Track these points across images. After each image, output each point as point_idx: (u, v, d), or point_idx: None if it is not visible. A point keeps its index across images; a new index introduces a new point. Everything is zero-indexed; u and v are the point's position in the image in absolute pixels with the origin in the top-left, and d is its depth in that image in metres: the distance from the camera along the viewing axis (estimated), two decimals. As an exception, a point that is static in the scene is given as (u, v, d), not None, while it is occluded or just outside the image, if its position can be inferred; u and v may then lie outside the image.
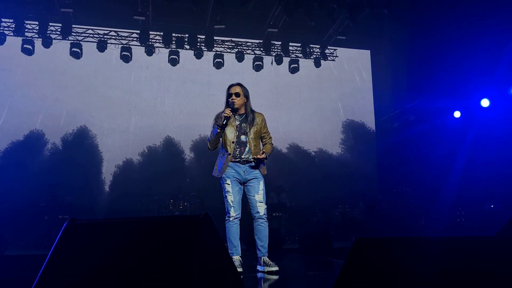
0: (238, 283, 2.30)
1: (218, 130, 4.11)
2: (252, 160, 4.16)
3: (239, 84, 4.28)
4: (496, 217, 8.55)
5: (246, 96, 4.25)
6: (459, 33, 9.87)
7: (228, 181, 4.10)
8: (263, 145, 4.32)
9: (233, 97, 4.18)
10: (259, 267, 4.12)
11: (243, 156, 4.14)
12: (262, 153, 4.09)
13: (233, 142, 4.13)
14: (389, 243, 1.96)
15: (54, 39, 11.51)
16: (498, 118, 9.43)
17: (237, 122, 4.21)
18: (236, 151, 4.13)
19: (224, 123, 4.10)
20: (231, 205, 4.08)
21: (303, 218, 11.71)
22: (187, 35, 12.01)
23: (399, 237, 2.00)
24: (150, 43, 11.98)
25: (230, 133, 4.16)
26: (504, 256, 1.94)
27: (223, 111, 4.21)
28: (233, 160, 4.13)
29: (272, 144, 4.37)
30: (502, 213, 8.47)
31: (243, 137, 4.17)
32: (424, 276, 1.82)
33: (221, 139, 4.24)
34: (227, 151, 4.14)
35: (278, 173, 11.65)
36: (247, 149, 4.16)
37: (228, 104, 4.20)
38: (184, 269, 1.86)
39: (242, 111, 4.24)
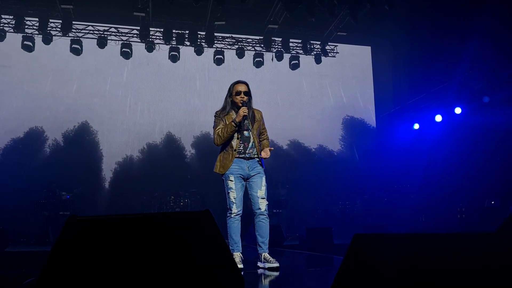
0: (238, 279, 2.31)
1: (234, 127, 4.09)
2: (255, 156, 4.19)
3: (247, 83, 4.26)
4: (497, 213, 8.55)
5: (251, 94, 4.25)
6: (460, 28, 9.84)
7: (232, 178, 4.11)
8: (260, 141, 4.34)
9: (243, 95, 4.17)
10: (259, 264, 4.13)
11: (247, 152, 4.16)
12: (269, 150, 4.20)
13: (238, 138, 4.15)
14: (389, 240, 1.96)
15: (54, 35, 11.51)
16: (499, 115, 9.42)
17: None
18: (240, 147, 4.15)
19: (242, 120, 4.11)
20: (233, 201, 4.09)
21: (304, 215, 11.73)
22: (187, 32, 11.99)
23: (399, 233, 2.00)
24: (151, 39, 11.96)
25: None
26: (504, 253, 1.94)
27: (222, 109, 4.25)
28: (238, 156, 4.14)
29: (269, 141, 4.46)
30: (503, 210, 8.48)
31: (246, 133, 4.20)
32: (424, 272, 1.83)
33: None
34: (232, 147, 4.14)
35: (278, 170, 11.66)
36: (250, 144, 4.19)
37: (231, 100, 4.23)
38: (185, 265, 1.86)
39: None
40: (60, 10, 10.83)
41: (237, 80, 4.30)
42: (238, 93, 4.18)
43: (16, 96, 12.06)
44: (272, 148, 4.30)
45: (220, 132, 4.13)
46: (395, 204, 11.09)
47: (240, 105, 4.12)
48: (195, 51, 12.21)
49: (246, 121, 4.22)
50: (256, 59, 12.58)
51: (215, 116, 4.28)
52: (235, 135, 4.17)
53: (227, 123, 4.13)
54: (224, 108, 4.26)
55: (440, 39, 10.60)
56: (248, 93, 4.19)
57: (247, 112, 4.08)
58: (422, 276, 1.82)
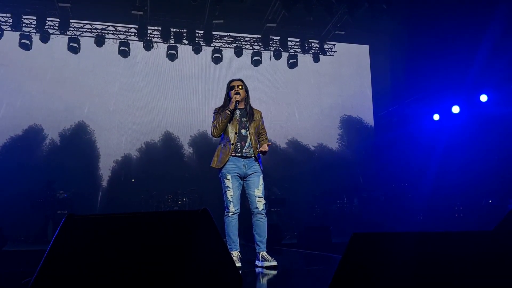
0: (237, 278, 2.31)
1: (228, 114, 4.13)
2: (252, 156, 4.19)
3: (241, 79, 4.38)
4: (494, 212, 8.57)
5: (247, 90, 4.35)
6: (458, 27, 9.85)
7: (228, 176, 4.12)
8: (259, 142, 4.35)
9: (237, 88, 4.25)
10: (258, 262, 4.13)
11: (244, 151, 4.17)
12: (267, 145, 4.14)
13: (235, 133, 4.17)
14: (387, 239, 1.96)
15: (52, 34, 11.48)
16: (497, 113, 9.44)
17: (237, 117, 4.25)
18: (237, 145, 4.16)
19: (235, 106, 4.17)
20: (231, 200, 4.09)
21: (302, 213, 11.73)
22: (185, 30, 11.97)
23: (397, 232, 2.00)
24: (148, 38, 11.95)
25: (232, 126, 4.20)
26: (502, 251, 1.95)
27: (222, 106, 4.29)
28: (234, 154, 4.15)
29: (269, 141, 4.38)
30: (500, 208, 8.50)
31: (243, 131, 4.22)
32: (422, 271, 1.83)
33: (223, 133, 4.25)
34: (229, 141, 4.16)
35: (276, 168, 11.66)
36: (247, 143, 4.20)
37: (230, 97, 4.25)
38: (183, 264, 1.86)
39: (242, 105, 4.31)
40: (57, 8, 10.80)
41: (230, 78, 4.44)
42: (232, 87, 4.28)
43: (14, 94, 12.03)
44: (270, 143, 4.28)
45: (215, 122, 4.21)
46: (393, 203, 11.10)
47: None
48: (193, 50, 12.20)
49: (244, 119, 4.25)
50: (254, 58, 12.57)
51: (214, 112, 4.33)
52: (232, 129, 4.17)
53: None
54: (223, 105, 4.31)
55: (438, 38, 10.61)
56: (242, 87, 4.30)
57: (239, 98, 4.16)
58: (421, 274, 1.82)
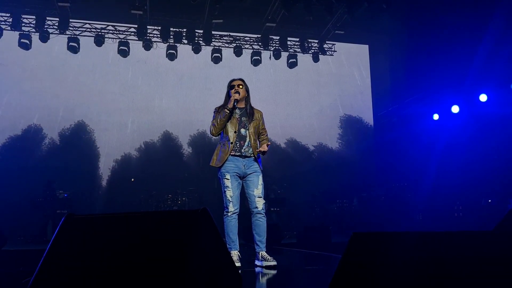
0: (236, 278, 2.30)
1: (227, 112, 4.13)
2: (251, 155, 4.19)
3: (242, 79, 4.39)
4: (494, 212, 8.57)
5: (248, 90, 4.36)
6: (458, 26, 9.85)
7: (228, 176, 4.12)
8: (260, 142, 4.35)
9: (237, 88, 4.26)
10: (257, 262, 4.13)
11: (243, 150, 4.17)
12: (266, 145, 4.13)
13: (235, 132, 4.17)
14: (387, 238, 1.96)
15: (51, 33, 11.47)
16: (496, 113, 9.44)
17: (237, 116, 4.25)
18: (236, 144, 4.16)
19: (233, 105, 4.18)
20: (230, 200, 4.09)
21: (302, 213, 11.73)
22: (185, 30, 11.96)
23: (397, 232, 2.00)
24: (148, 37, 11.94)
25: (231, 125, 4.20)
26: (502, 251, 1.94)
27: (222, 105, 4.29)
28: (233, 153, 4.14)
29: (269, 141, 4.38)
30: (499, 208, 8.50)
31: (243, 131, 4.22)
32: (422, 271, 1.83)
33: (222, 131, 4.26)
34: (228, 140, 4.16)
35: (276, 168, 11.66)
36: (247, 142, 4.21)
37: (230, 96, 4.24)
38: (182, 264, 1.85)
39: (242, 105, 4.31)
40: (57, 8, 10.78)
41: (231, 78, 4.44)
42: (233, 87, 4.28)
43: (13, 94, 12.03)
44: (270, 143, 4.28)
45: (214, 121, 4.21)
46: (393, 202, 11.09)
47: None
48: (192, 50, 12.19)
49: (244, 118, 4.25)
50: (254, 58, 12.57)
51: (214, 111, 4.33)
52: (232, 128, 4.18)
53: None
54: (224, 104, 4.32)
55: (437, 38, 10.60)
56: (243, 86, 4.30)
57: (238, 96, 4.18)
58: (420, 274, 1.81)
